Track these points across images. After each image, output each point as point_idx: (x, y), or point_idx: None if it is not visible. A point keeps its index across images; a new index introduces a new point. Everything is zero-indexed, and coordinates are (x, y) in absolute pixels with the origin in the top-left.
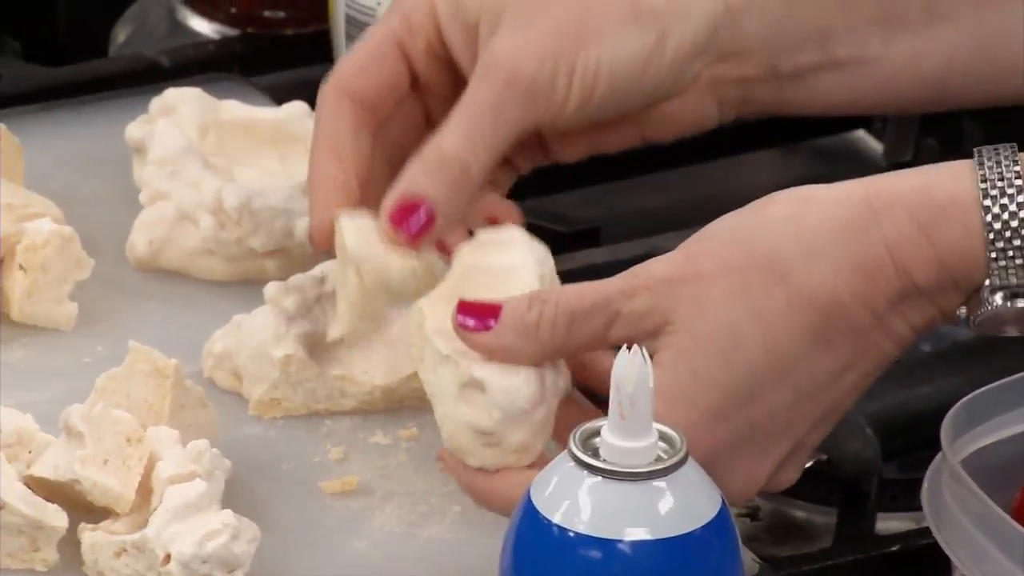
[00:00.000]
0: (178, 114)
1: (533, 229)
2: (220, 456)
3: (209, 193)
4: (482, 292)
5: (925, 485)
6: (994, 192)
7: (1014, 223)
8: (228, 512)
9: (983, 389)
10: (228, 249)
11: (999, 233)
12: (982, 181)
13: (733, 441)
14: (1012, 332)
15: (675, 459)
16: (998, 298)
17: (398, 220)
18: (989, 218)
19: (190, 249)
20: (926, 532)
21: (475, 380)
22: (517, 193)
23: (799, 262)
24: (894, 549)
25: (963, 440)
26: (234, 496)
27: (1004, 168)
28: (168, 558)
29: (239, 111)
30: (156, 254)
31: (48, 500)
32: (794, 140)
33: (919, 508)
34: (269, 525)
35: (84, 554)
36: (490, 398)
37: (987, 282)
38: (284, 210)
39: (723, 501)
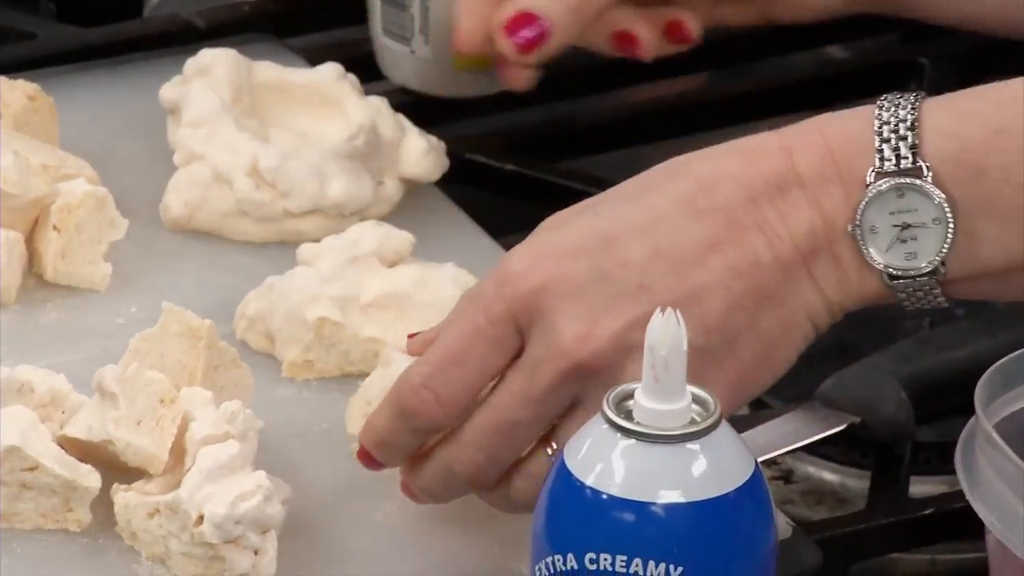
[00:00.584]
0: (212, 75)
1: (568, 192)
2: (253, 417)
3: (244, 155)
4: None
5: (959, 448)
6: (888, 105)
7: (903, 113)
8: (261, 473)
9: (1018, 353)
10: (263, 210)
11: (886, 122)
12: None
13: (582, 280)
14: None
15: (708, 422)
16: (882, 185)
17: (511, 30)
18: (879, 111)
19: (225, 210)
20: (959, 496)
21: None
22: (551, 155)
23: (693, 156)
24: (927, 512)
25: (997, 404)
26: (267, 457)
27: (903, 99)
28: (201, 519)
29: (273, 72)
30: (191, 215)
31: (81, 461)
32: (829, 104)
33: (952, 472)
34: (302, 486)
35: (117, 515)
36: None
37: (871, 169)
38: (319, 171)
39: (756, 464)
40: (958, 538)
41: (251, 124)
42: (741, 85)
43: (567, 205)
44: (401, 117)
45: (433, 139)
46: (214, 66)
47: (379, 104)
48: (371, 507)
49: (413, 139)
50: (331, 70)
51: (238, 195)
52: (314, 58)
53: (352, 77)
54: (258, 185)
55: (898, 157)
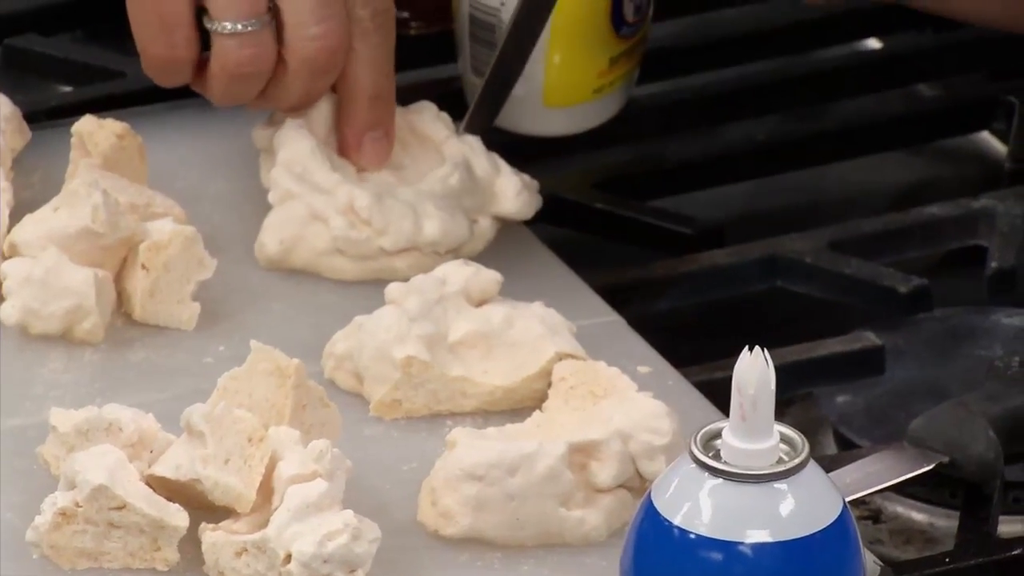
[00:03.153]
0: (305, 114)
1: (658, 231)
2: (341, 456)
3: (340, 193)
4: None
5: None
6: None
7: None
8: (349, 512)
9: None
10: (358, 248)
11: None
12: None
13: None
14: None
15: (796, 461)
16: None
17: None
18: None
19: (320, 249)
20: None
21: None
22: (640, 194)
23: None
24: (1016, 553)
25: None
26: (355, 496)
27: None
28: (288, 558)
29: None
30: (286, 253)
31: (169, 499)
32: (918, 141)
33: None
34: (389, 525)
35: (205, 554)
36: None
37: None
38: (414, 209)
39: (844, 504)
40: None
41: (345, 163)
42: (829, 123)
43: (656, 244)
44: (495, 155)
45: (527, 178)
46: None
47: (473, 142)
48: (457, 548)
49: (507, 178)
50: (426, 109)
51: (334, 233)
52: (405, 97)
53: (445, 116)
54: (353, 223)
55: None
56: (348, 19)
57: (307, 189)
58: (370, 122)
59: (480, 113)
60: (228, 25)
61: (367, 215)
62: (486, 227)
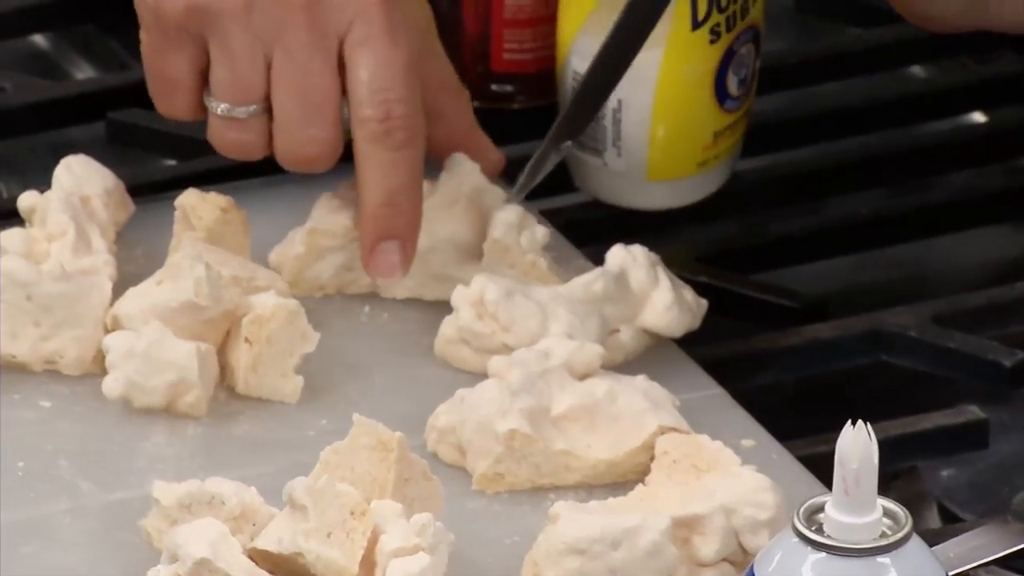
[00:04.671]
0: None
1: (761, 304)
2: (444, 530)
3: (473, 284)
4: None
5: None
6: None
7: None
8: None
9: None
10: (481, 341)
11: None
12: None
13: None
14: None
15: (900, 535)
16: None
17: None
18: None
19: (448, 336)
20: None
21: None
22: (742, 268)
23: None
24: None
25: None
26: (457, 570)
27: None
28: None
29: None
30: None
31: (272, 573)
32: (1022, 216)
33: None
34: None
35: None
36: None
37: None
38: (543, 309)
39: None
40: None
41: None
42: (933, 197)
43: (759, 318)
44: (660, 268)
45: (690, 295)
46: None
47: (637, 252)
48: None
49: (663, 292)
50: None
51: (461, 324)
52: (511, 171)
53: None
54: (480, 316)
55: None
56: (340, 126)
57: None
58: (378, 231)
59: (532, 174)
60: (222, 107)
61: (494, 309)
62: (628, 338)
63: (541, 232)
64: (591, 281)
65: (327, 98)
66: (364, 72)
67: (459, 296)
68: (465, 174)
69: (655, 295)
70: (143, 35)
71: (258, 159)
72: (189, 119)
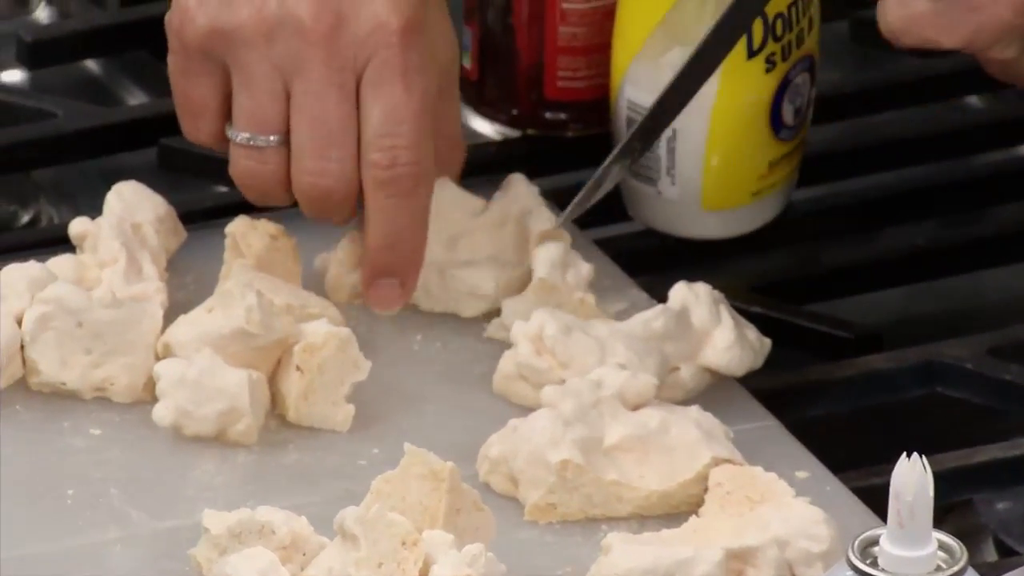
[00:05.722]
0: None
1: (815, 335)
2: (495, 560)
3: (533, 319)
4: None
5: None
6: None
7: None
8: None
9: None
10: (539, 377)
11: None
12: None
13: None
14: None
15: (955, 569)
16: None
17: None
18: None
19: (506, 372)
20: None
21: None
22: (796, 298)
23: None
24: None
25: None
26: None
27: None
28: None
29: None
30: None
31: None
32: None
33: None
34: None
35: None
36: None
37: None
38: (602, 345)
39: None
40: None
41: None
42: (988, 228)
43: (814, 349)
44: (724, 307)
45: (753, 334)
46: None
47: (700, 289)
48: None
49: (725, 330)
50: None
51: (519, 359)
52: (563, 200)
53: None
54: (539, 351)
55: None
56: (355, 160)
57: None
58: (377, 270)
59: (584, 201)
60: (240, 135)
61: (552, 344)
62: (688, 376)
63: (586, 268)
64: (651, 318)
65: (343, 131)
66: (374, 115)
67: (518, 331)
68: (519, 196)
69: (716, 333)
70: (169, 58)
71: (275, 203)
72: (213, 146)
